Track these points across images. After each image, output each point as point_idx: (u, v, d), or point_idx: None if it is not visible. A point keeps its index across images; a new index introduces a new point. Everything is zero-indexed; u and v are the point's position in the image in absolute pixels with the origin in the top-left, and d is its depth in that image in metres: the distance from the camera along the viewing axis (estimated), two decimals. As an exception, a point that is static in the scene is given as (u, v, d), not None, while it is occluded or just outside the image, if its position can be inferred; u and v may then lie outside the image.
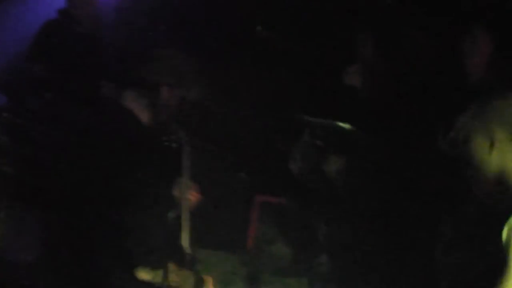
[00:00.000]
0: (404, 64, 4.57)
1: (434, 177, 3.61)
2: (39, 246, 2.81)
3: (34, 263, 2.79)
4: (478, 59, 3.79)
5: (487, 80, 3.82)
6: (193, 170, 5.12)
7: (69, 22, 5.54)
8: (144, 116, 2.69)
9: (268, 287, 4.95)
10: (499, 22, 3.85)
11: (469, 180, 2.48)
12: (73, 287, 2.56)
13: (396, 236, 3.82)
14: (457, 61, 3.88)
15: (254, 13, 5.90)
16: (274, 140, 5.26)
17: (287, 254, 5.29)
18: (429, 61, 4.43)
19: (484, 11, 4.03)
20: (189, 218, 2.73)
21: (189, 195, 2.79)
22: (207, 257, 4.99)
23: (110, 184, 2.48)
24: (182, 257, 2.70)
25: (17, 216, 3.28)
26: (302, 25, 5.68)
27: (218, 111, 5.37)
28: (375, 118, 4.14)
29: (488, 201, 2.43)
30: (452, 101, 3.87)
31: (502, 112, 2.41)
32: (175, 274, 2.60)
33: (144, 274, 2.42)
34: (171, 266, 2.58)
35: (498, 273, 2.07)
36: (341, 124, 3.99)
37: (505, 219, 2.17)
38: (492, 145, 2.37)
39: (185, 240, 2.70)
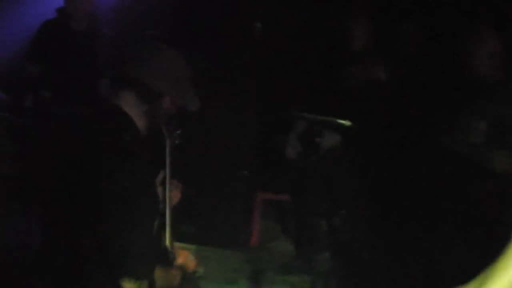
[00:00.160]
0: (405, 63, 4.56)
1: (434, 176, 3.59)
2: (30, 248, 2.79)
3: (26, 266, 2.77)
4: (486, 59, 3.79)
5: (495, 79, 3.80)
6: (193, 170, 5.10)
7: (67, 21, 5.53)
8: (140, 122, 2.67)
9: (271, 285, 4.93)
10: (507, 21, 3.84)
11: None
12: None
13: (396, 233, 3.81)
14: (462, 60, 3.87)
15: (254, 11, 5.89)
16: (274, 138, 5.25)
17: (290, 251, 5.28)
18: (432, 60, 4.42)
19: (491, 10, 4.02)
20: (170, 217, 2.72)
21: (172, 194, 2.77)
22: (209, 255, 4.98)
23: (97, 187, 2.46)
24: (167, 258, 2.68)
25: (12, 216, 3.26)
26: (302, 23, 5.67)
27: (217, 111, 5.37)
28: (374, 117, 4.13)
29: None
30: (458, 101, 3.86)
31: None
32: (163, 279, 2.58)
33: (129, 285, 2.39)
34: (157, 272, 2.55)
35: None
36: (340, 121, 3.97)
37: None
38: None
39: (168, 240, 2.69)
